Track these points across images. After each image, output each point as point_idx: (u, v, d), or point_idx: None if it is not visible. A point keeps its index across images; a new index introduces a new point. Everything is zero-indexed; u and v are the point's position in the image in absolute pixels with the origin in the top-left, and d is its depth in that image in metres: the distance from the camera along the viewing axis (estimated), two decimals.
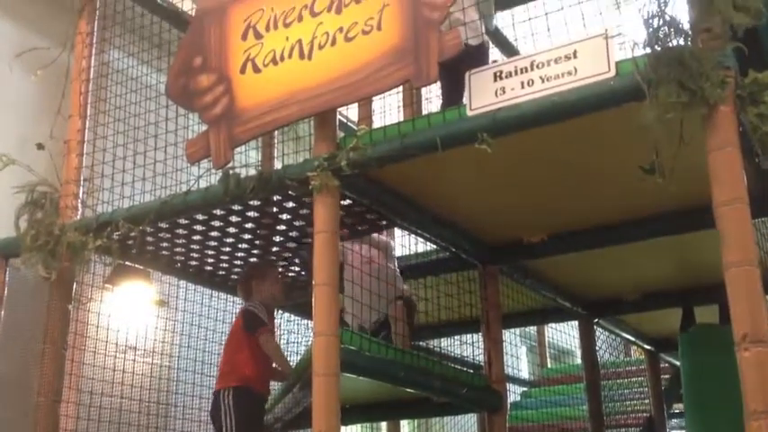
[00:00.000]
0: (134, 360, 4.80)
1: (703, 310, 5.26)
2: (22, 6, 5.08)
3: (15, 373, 4.28)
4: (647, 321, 6.11)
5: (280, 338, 5.24)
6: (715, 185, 2.59)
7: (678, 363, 6.12)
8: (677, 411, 7.13)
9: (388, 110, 5.17)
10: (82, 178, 4.23)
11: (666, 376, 6.88)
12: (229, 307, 5.33)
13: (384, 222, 4.10)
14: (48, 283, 4.03)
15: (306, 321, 5.51)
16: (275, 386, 4.46)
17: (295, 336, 5.73)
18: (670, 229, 4.02)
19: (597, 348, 5.93)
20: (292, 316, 5.65)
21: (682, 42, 2.59)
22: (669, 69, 2.54)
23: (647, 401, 6.60)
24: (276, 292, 4.38)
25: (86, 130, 4.32)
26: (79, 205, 4.19)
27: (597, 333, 5.96)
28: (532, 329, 8.87)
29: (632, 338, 6.53)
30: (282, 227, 4.13)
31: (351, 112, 5.15)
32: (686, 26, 2.60)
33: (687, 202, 3.58)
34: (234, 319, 4.44)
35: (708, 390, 4.55)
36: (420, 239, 4.72)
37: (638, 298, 5.39)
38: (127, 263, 4.46)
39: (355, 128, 3.89)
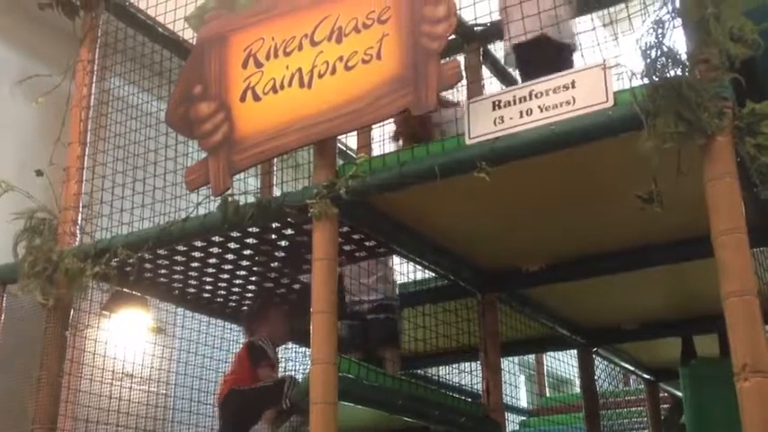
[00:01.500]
0: (130, 388, 4.77)
1: (703, 339, 5.25)
2: (25, 34, 5.13)
3: (11, 401, 4.26)
4: (646, 350, 6.09)
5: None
6: (713, 215, 2.59)
7: (677, 393, 6.10)
8: None
9: (387, 138, 5.18)
10: (81, 205, 4.23)
11: (666, 406, 6.85)
12: (227, 334, 5.32)
13: (382, 249, 4.10)
14: (45, 310, 4.02)
15: (303, 349, 5.49)
16: None
17: (293, 363, 5.70)
18: (669, 259, 4.03)
19: (596, 377, 5.90)
20: (290, 343, 5.62)
21: (679, 73, 2.60)
22: (667, 100, 2.55)
23: (646, 431, 6.56)
24: (281, 333, 4.44)
25: (86, 157, 4.32)
26: (78, 232, 4.18)
27: (596, 362, 5.94)
28: (531, 358, 8.83)
29: (631, 368, 6.50)
30: (281, 254, 4.13)
31: (350, 140, 5.18)
32: (684, 57, 2.62)
33: (686, 232, 3.58)
34: (239, 348, 4.49)
35: (711, 423, 4.52)
36: (418, 267, 4.72)
37: (637, 327, 5.38)
38: (124, 289, 4.45)
39: (354, 156, 3.91)
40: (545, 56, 3.73)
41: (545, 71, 3.07)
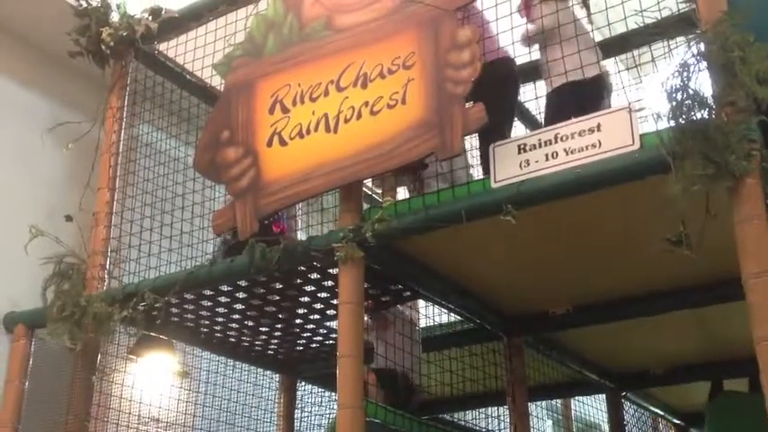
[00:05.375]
0: None
1: (732, 383, 5.16)
2: (56, 82, 5.23)
3: None
4: (675, 395, 5.99)
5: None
6: (743, 257, 2.57)
7: None
8: None
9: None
10: (109, 249, 4.27)
11: None
12: (252, 378, 5.31)
13: (408, 293, 4.09)
14: (72, 354, 4.03)
15: (329, 393, 5.46)
16: None
17: (318, 408, 5.67)
18: (698, 302, 3.98)
19: (625, 422, 5.80)
20: (315, 388, 5.60)
21: (706, 115, 2.60)
22: (694, 142, 2.55)
23: None
24: None
25: (114, 202, 4.37)
26: (106, 276, 4.21)
27: (625, 406, 5.84)
28: (558, 402, 8.71)
29: (661, 412, 6.40)
30: (307, 298, 4.13)
31: None
32: (710, 99, 2.62)
33: (715, 274, 3.55)
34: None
35: None
36: (444, 310, 4.69)
37: (666, 371, 5.30)
38: (151, 333, 4.46)
39: (380, 199, 3.92)
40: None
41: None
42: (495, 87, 3.60)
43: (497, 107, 3.46)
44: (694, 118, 2.61)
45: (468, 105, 3.15)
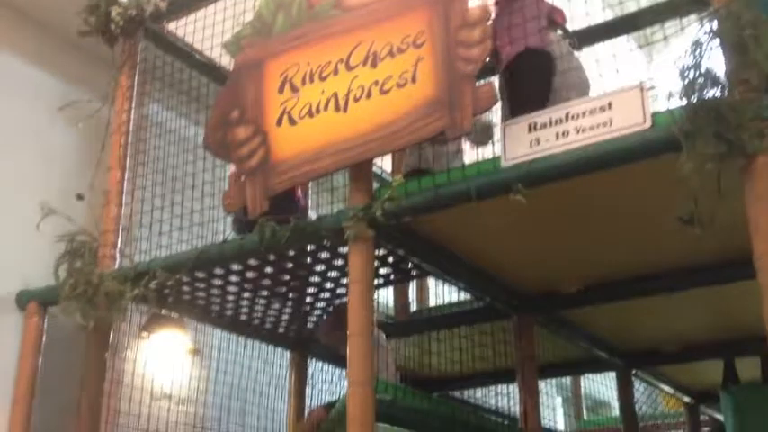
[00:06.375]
0: (168, 408, 4.81)
1: (744, 361, 5.16)
2: (65, 61, 5.23)
3: (53, 422, 4.30)
4: (686, 373, 6.00)
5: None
6: (755, 236, 2.55)
7: (718, 416, 5.99)
8: None
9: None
10: (120, 228, 4.29)
11: (706, 429, 6.72)
12: (263, 355, 5.34)
13: (418, 272, 4.10)
14: (84, 332, 4.07)
15: (339, 370, 5.49)
16: None
17: (328, 385, 5.71)
18: (709, 280, 3.97)
19: (635, 400, 5.82)
20: (325, 365, 5.63)
21: (718, 94, 2.58)
22: (706, 121, 2.53)
23: None
24: None
25: (125, 181, 4.39)
26: (117, 254, 4.24)
27: (635, 384, 5.86)
28: (567, 380, 8.74)
29: (671, 390, 6.40)
30: (317, 277, 4.15)
31: (385, 163, 5.19)
32: (722, 78, 2.60)
33: (726, 253, 3.54)
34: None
35: None
36: (454, 289, 4.70)
37: (677, 349, 5.30)
38: (163, 311, 4.50)
39: (390, 179, 3.92)
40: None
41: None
42: (539, 75, 3.59)
43: (541, 95, 3.47)
44: (706, 96, 2.59)
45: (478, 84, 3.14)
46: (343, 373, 4.37)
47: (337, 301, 4.51)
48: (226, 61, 4.24)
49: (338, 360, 4.87)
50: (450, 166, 3.44)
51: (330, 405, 4.22)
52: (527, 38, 3.61)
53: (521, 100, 3.50)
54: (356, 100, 3.37)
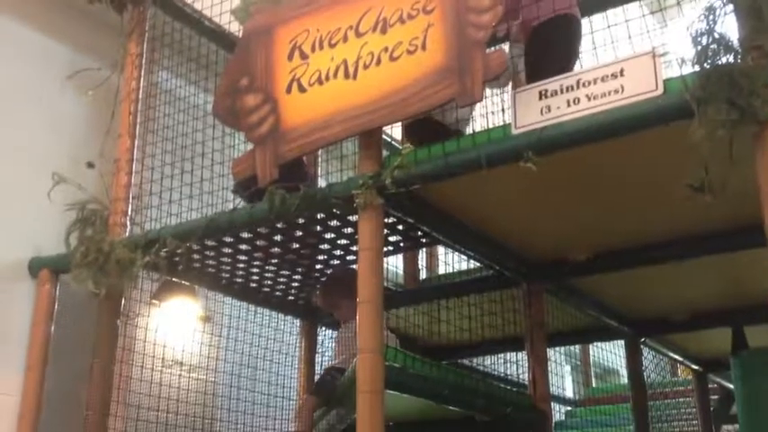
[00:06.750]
0: (179, 375, 4.86)
1: (753, 329, 5.15)
2: (74, 28, 5.20)
3: (65, 388, 4.35)
4: (694, 341, 6.01)
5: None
6: (765, 203, 2.54)
7: (727, 384, 6.00)
8: None
9: None
10: (131, 196, 4.30)
11: (715, 397, 6.75)
12: (273, 323, 5.38)
13: (427, 240, 4.10)
14: (96, 299, 4.10)
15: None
16: None
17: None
18: (719, 248, 3.95)
19: (644, 368, 5.84)
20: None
21: (731, 60, 2.56)
22: (718, 87, 2.51)
23: (694, 422, 6.48)
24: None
25: (135, 150, 4.40)
26: (128, 222, 4.26)
27: (644, 352, 5.88)
28: (576, 348, 8.78)
29: (680, 358, 6.43)
30: (326, 246, 4.16)
31: (395, 131, 5.18)
32: (736, 44, 2.57)
33: (737, 221, 3.52)
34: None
35: (765, 414, 4.45)
36: (463, 257, 4.71)
37: (686, 317, 5.31)
38: (173, 279, 4.52)
39: (400, 146, 3.91)
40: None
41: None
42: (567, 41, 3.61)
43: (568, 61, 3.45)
44: (719, 62, 2.57)
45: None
46: None
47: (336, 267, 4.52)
48: (235, 28, 4.22)
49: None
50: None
51: (317, 390, 4.24)
52: (555, 2, 3.59)
53: (549, 66, 3.47)
54: (366, 67, 3.35)
